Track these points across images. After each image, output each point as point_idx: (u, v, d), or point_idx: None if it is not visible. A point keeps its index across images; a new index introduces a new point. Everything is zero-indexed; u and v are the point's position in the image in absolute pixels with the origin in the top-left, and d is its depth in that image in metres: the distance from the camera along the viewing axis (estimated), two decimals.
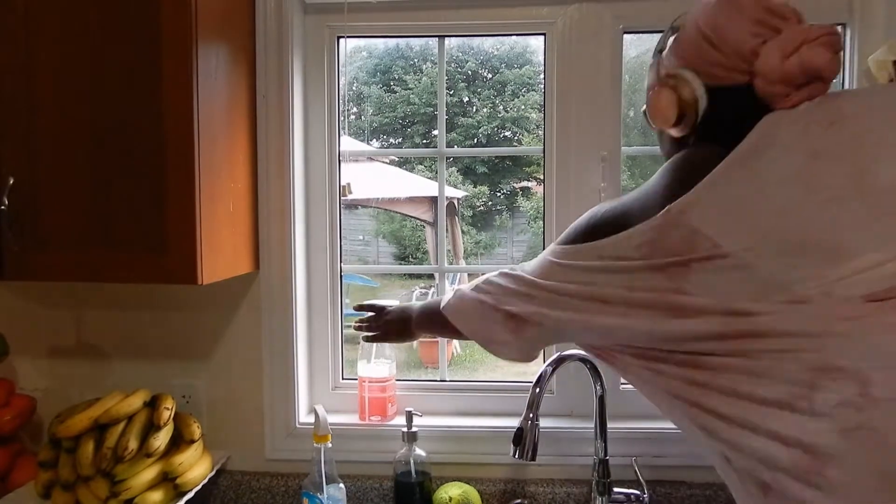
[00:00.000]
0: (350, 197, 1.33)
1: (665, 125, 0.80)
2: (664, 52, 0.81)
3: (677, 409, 0.71)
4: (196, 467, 1.13)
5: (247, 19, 1.20)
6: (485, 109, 8.76)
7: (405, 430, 1.18)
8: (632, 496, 1.14)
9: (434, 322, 1.01)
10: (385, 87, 8.72)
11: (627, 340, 0.73)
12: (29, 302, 1.31)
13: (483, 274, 0.92)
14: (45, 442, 1.13)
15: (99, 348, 1.31)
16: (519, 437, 1.05)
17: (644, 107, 0.87)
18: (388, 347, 1.28)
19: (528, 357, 0.88)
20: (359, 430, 1.26)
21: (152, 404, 1.14)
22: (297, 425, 1.27)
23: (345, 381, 1.36)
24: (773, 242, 0.63)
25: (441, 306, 0.96)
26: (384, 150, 8.24)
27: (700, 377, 0.67)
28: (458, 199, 7.33)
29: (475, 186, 8.30)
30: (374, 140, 8.70)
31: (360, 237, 8.39)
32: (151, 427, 1.10)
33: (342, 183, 1.33)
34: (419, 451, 1.18)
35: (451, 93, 8.35)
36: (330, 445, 1.13)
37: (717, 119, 0.75)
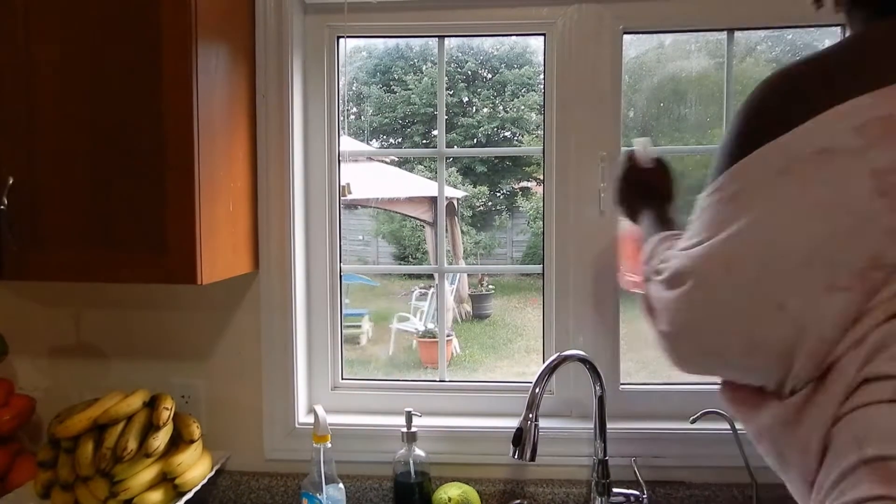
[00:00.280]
0: (350, 197, 1.33)
1: None
2: None
3: None
4: (195, 467, 1.13)
5: (247, 19, 1.20)
6: (485, 109, 8.77)
7: (404, 430, 1.18)
8: (631, 497, 1.14)
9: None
10: (385, 88, 8.72)
11: None
12: (28, 302, 1.31)
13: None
14: (44, 442, 1.13)
15: (98, 348, 1.30)
16: (518, 437, 1.05)
17: None
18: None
19: None
20: (358, 430, 1.26)
21: (151, 404, 1.14)
22: (297, 425, 1.27)
23: (344, 381, 1.36)
24: None
25: None
26: (384, 150, 8.25)
27: None
28: (458, 199, 7.34)
29: (475, 186, 8.31)
30: (374, 140, 8.71)
31: (360, 237, 8.40)
32: (151, 427, 1.10)
33: (342, 183, 1.33)
34: (418, 452, 1.18)
35: (451, 93, 8.36)
36: (329, 445, 1.12)
37: None
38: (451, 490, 1.16)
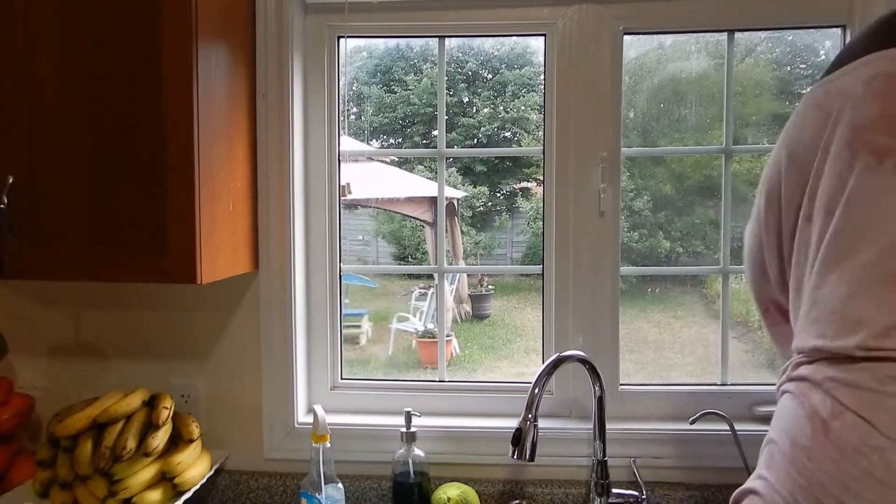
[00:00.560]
0: (350, 197, 1.33)
1: None
2: None
3: None
4: (194, 467, 1.13)
5: (247, 19, 1.20)
6: (485, 110, 8.76)
7: (404, 430, 1.18)
8: (630, 497, 1.15)
9: None
10: (385, 88, 8.71)
11: None
12: (28, 301, 1.31)
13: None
14: (43, 441, 1.13)
15: (98, 347, 1.31)
16: (518, 437, 1.05)
17: None
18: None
19: None
20: (357, 430, 1.26)
21: (151, 403, 1.14)
22: (296, 425, 1.27)
23: (343, 380, 1.36)
24: None
25: None
26: (384, 151, 8.24)
27: None
28: (458, 199, 7.33)
29: (475, 187, 8.30)
30: (374, 140, 8.70)
31: (360, 237, 8.39)
32: (150, 426, 1.10)
33: (342, 183, 1.33)
34: (418, 452, 1.18)
35: (451, 93, 8.35)
36: (328, 445, 1.13)
37: None
38: (451, 490, 1.16)
